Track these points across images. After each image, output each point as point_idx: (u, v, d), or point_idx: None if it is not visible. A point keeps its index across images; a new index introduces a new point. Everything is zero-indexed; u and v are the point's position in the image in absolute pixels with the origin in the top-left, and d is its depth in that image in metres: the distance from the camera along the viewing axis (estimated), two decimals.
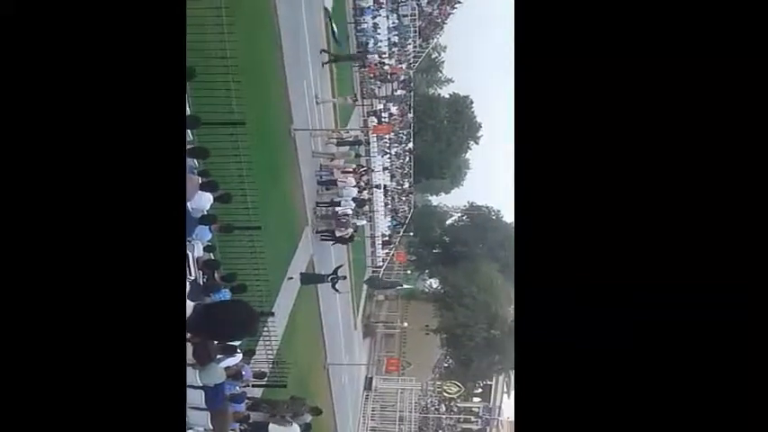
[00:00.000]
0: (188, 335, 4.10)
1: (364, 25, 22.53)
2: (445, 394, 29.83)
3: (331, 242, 15.34)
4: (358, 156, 18.00)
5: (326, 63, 16.10)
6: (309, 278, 13.52)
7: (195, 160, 6.22)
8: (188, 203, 5.78)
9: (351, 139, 16.75)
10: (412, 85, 29.88)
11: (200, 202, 6.23)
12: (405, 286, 29.19)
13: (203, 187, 6.29)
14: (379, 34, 23.22)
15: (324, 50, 15.82)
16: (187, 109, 5.56)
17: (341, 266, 14.43)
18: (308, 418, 8.91)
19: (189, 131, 5.85)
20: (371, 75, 22.95)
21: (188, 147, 5.79)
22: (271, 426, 8.13)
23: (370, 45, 22.89)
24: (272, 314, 9.23)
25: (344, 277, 15.12)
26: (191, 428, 5.76)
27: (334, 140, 16.40)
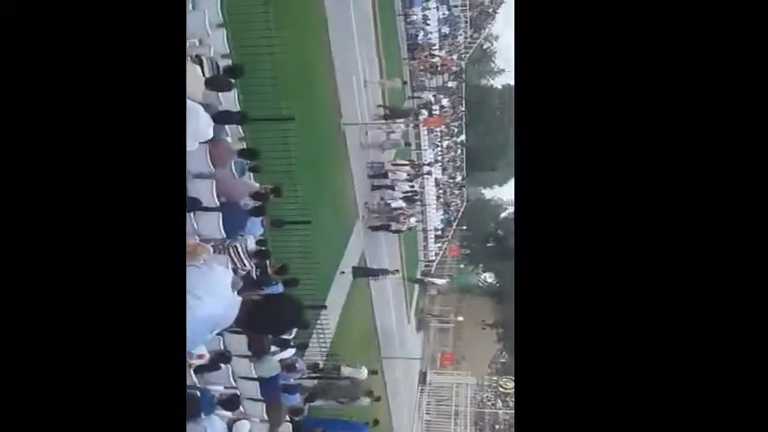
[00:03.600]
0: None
1: (414, 17, 22.31)
2: (501, 389, 29.27)
3: (383, 231, 15.34)
4: (407, 144, 17.86)
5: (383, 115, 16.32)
6: (361, 272, 13.59)
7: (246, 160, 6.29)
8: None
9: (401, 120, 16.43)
10: (463, 76, 29.37)
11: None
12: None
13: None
14: (428, 25, 22.92)
15: (380, 105, 16.04)
16: (236, 105, 5.63)
17: (396, 271, 14.54)
18: (366, 401, 9.05)
19: (239, 128, 5.93)
20: (422, 67, 22.70)
21: (239, 147, 5.88)
22: (342, 368, 8.98)
23: (420, 37, 22.63)
24: (325, 307, 9.32)
25: (396, 271, 15.09)
26: (246, 419, 5.88)
27: (384, 128, 16.28)
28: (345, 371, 9.11)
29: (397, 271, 15.74)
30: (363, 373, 9.26)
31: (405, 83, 19.48)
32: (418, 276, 25.08)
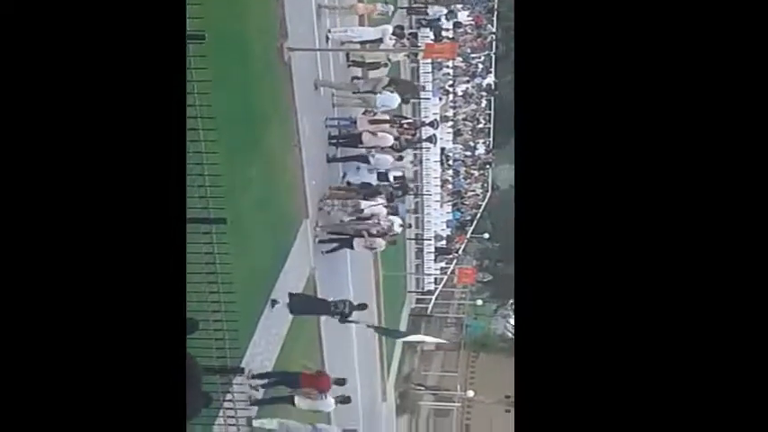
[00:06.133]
0: None
1: None
2: None
3: (335, 247, 15.29)
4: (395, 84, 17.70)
5: None
6: (304, 304, 13.43)
7: None
8: None
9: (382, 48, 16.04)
10: None
11: None
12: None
13: None
14: None
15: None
16: None
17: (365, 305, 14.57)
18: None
19: None
20: None
21: None
22: (297, 399, 11.57)
23: None
24: (242, 371, 9.27)
25: (365, 306, 15.06)
26: None
27: (359, 61, 16.13)
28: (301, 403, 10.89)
29: (366, 305, 15.70)
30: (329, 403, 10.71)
31: None
32: (407, 311, 25.04)
